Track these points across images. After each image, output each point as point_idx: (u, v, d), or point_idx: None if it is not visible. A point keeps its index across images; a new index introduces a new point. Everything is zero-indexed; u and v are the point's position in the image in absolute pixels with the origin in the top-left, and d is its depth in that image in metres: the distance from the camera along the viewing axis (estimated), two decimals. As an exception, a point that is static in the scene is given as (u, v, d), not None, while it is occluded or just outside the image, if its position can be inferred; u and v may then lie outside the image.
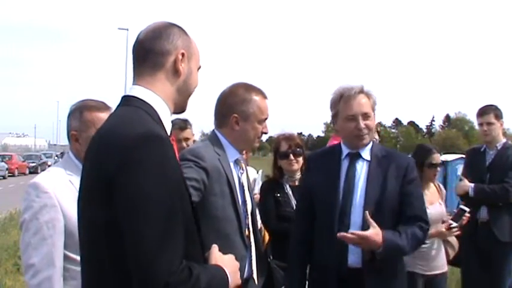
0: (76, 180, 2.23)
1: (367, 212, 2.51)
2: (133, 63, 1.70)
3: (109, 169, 1.44)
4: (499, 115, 4.66)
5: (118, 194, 1.42)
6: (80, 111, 2.38)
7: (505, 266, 4.57)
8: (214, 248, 1.72)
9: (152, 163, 1.43)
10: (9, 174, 33.23)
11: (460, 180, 4.76)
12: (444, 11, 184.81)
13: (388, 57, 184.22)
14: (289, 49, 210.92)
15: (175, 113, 1.76)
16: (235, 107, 2.54)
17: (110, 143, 1.49)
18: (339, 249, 2.63)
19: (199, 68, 1.80)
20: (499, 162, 4.60)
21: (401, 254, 2.69)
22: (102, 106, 2.41)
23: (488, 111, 4.65)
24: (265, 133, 2.63)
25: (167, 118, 1.67)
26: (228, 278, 1.61)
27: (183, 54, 1.68)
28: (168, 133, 1.66)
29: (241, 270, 2.47)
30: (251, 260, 2.57)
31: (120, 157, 1.43)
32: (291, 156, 3.60)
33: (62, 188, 2.26)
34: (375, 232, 2.46)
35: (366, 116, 2.70)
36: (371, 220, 2.48)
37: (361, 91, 2.71)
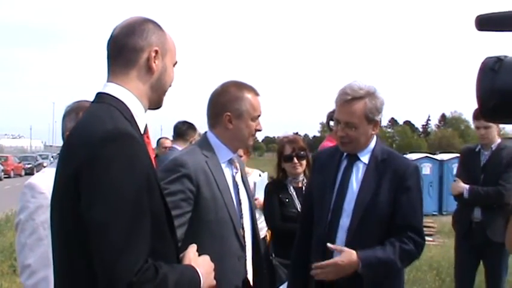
0: None
1: (329, 245, 2.47)
2: (107, 59, 1.68)
3: (75, 166, 1.44)
4: None
5: (83, 191, 1.42)
6: (76, 112, 2.36)
7: (501, 266, 4.61)
8: (191, 248, 1.71)
9: (119, 160, 1.42)
10: (5, 176, 33.24)
11: (455, 181, 4.77)
12: (439, 10, 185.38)
13: (383, 57, 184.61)
14: (286, 49, 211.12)
15: (150, 109, 1.74)
16: (228, 105, 2.52)
17: (78, 140, 1.50)
18: (323, 249, 2.63)
19: (176, 63, 1.78)
20: (493, 163, 4.59)
21: (390, 268, 2.51)
22: None
23: None
24: (259, 130, 2.60)
25: (141, 115, 1.66)
26: (200, 278, 1.59)
27: (156, 51, 1.66)
28: (142, 130, 1.65)
29: (240, 270, 2.48)
30: (245, 260, 2.56)
31: (87, 153, 1.43)
32: (295, 160, 3.63)
33: None
34: (344, 255, 2.41)
35: (348, 125, 2.62)
36: (339, 247, 2.44)
37: (356, 97, 2.59)
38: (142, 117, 1.67)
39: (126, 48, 1.64)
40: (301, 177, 3.69)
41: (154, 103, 1.74)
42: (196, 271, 1.59)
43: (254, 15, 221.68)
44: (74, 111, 2.38)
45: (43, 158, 44.20)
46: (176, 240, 1.68)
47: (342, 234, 2.59)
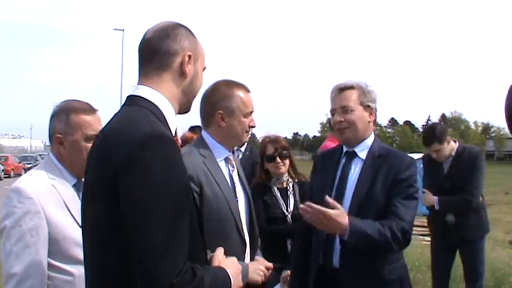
0: (59, 184, 2.17)
1: (327, 196, 2.42)
2: (139, 62, 1.69)
3: (114, 168, 1.44)
4: (442, 139, 4.58)
5: (124, 193, 1.42)
6: (67, 114, 2.26)
7: (478, 259, 4.71)
8: (219, 250, 1.74)
9: (158, 162, 1.43)
10: (5, 176, 33.21)
11: (424, 193, 4.79)
12: (440, 10, 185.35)
13: (384, 57, 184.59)
14: (286, 49, 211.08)
15: (180, 113, 1.75)
16: (219, 103, 2.55)
17: (115, 141, 1.49)
18: (324, 248, 2.66)
19: (205, 69, 1.81)
20: (456, 169, 4.64)
21: (372, 245, 2.44)
22: (89, 108, 2.30)
23: (431, 141, 4.61)
24: (253, 127, 2.62)
25: (172, 118, 1.67)
26: (230, 280, 1.61)
27: (189, 56, 1.68)
28: (173, 133, 1.65)
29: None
30: (245, 256, 2.59)
31: (126, 155, 1.43)
32: (278, 159, 3.57)
33: (45, 193, 2.12)
34: (338, 212, 2.36)
35: (344, 109, 2.68)
36: (334, 202, 2.40)
37: (348, 87, 2.69)
38: (173, 120, 1.68)
39: (161, 52, 1.65)
40: (285, 177, 3.63)
41: (184, 107, 1.75)
42: (227, 272, 1.62)
43: (254, 14, 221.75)
44: (63, 112, 2.27)
45: (43, 158, 43.94)
46: (205, 242, 1.70)
47: None
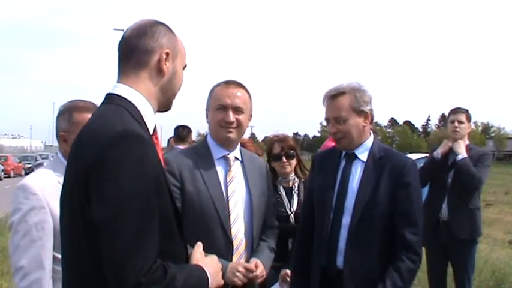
0: None
1: None
2: (118, 60, 1.69)
3: (86, 166, 1.44)
4: (469, 118, 4.85)
5: (93, 191, 1.42)
6: (70, 112, 2.36)
7: (467, 262, 4.69)
8: (198, 247, 1.72)
9: (128, 161, 1.42)
10: (5, 176, 33.20)
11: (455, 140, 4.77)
12: (440, 10, 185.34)
13: (384, 57, 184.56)
14: (286, 49, 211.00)
15: (159, 111, 1.74)
16: (207, 102, 2.68)
17: (89, 140, 1.50)
18: (328, 249, 2.66)
19: (185, 66, 1.79)
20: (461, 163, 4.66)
21: None
22: (92, 107, 2.35)
23: (461, 111, 4.84)
24: (228, 122, 2.57)
25: (150, 117, 1.66)
26: (208, 278, 1.60)
27: (167, 54, 1.68)
28: (151, 132, 1.65)
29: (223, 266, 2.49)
30: (233, 255, 2.56)
31: (97, 154, 1.43)
32: (284, 159, 3.56)
33: (50, 189, 2.21)
34: None
35: (337, 120, 2.66)
36: None
37: (339, 93, 2.64)
38: (152, 118, 1.67)
39: (138, 50, 1.65)
40: (292, 176, 3.61)
41: (164, 105, 1.75)
42: (205, 271, 1.61)
43: (255, 15, 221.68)
44: (67, 111, 2.37)
45: (43, 158, 44.01)
46: (185, 240, 1.69)
47: (344, 232, 2.61)
